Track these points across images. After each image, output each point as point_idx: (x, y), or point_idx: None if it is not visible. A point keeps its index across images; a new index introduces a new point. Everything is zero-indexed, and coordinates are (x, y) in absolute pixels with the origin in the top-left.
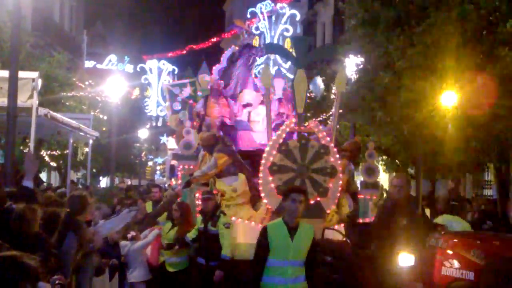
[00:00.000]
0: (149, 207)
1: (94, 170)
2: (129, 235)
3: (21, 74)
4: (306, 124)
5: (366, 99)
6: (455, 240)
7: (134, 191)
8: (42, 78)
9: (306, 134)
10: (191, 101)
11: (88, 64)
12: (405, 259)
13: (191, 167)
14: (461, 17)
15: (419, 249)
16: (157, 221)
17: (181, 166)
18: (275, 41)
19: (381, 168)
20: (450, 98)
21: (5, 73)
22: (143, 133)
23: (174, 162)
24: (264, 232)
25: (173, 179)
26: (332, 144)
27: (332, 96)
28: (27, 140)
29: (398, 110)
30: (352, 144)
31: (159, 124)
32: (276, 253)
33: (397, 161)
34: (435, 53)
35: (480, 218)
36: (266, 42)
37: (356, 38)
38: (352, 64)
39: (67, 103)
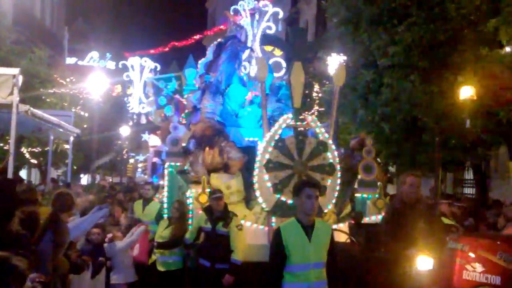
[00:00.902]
0: (138, 205)
1: (75, 167)
2: (106, 238)
3: (2, 70)
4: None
5: (348, 97)
6: (478, 242)
7: (120, 188)
8: (22, 74)
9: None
10: (177, 96)
11: (70, 60)
12: (423, 262)
13: (179, 163)
14: (442, 16)
15: (438, 252)
16: (141, 220)
17: (167, 163)
18: (257, 39)
19: None
20: (468, 92)
21: None
22: (125, 131)
23: (155, 160)
24: (277, 236)
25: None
26: (331, 141)
27: (314, 94)
28: (7, 137)
29: (379, 109)
30: (360, 141)
31: (141, 121)
32: (295, 257)
33: (378, 159)
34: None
35: (462, 216)
36: (266, 34)
37: (339, 36)
38: (334, 62)
39: (48, 100)
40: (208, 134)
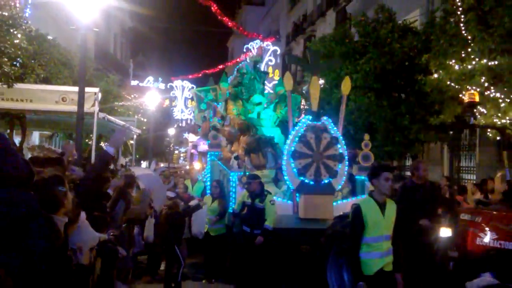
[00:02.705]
0: (188, 184)
1: (137, 156)
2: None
3: (87, 89)
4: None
5: (324, 108)
6: (491, 215)
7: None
8: (101, 92)
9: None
10: (213, 103)
11: (133, 83)
12: (444, 231)
13: (217, 151)
14: (391, 53)
15: (453, 223)
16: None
17: (209, 152)
18: (262, 68)
19: None
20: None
21: (75, 89)
22: (171, 131)
23: (193, 151)
24: (358, 211)
25: (196, 163)
26: (341, 137)
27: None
28: (90, 135)
29: (346, 116)
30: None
31: (182, 124)
32: (371, 230)
33: None
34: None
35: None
36: (289, 54)
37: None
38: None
39: (119, 110)
40: (256, 146)
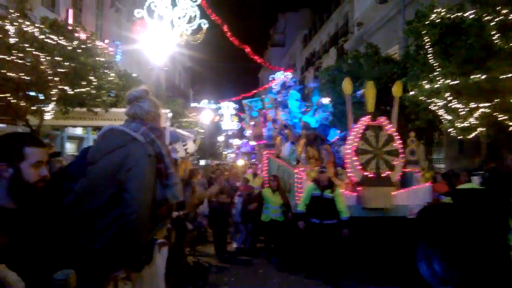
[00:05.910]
0: (250, 177)
1: (198, 156)
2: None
3: (162, 110)
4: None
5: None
6: None
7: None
8: (171, 112)
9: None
10: (263, 111)
11: (193, 104)
12: None
13: (272, 152)
14: (378, 77)
15: None
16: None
17: (265, 152)
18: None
19: None
20: None
21: None
22: (221, 138)
23: (237, 151)
24: None
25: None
26: (396, 134)
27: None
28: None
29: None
30: None
31: (229, 133)
32: None
33: None
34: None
35: None
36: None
37: (323, 88)
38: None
39: (183, 124)
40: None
